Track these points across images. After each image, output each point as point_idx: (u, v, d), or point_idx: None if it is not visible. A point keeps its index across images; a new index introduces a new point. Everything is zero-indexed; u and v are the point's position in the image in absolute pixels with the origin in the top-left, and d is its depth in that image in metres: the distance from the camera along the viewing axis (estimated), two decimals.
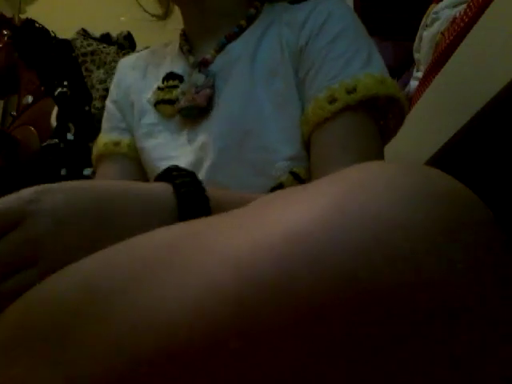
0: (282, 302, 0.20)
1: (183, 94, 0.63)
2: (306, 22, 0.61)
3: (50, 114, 1.63)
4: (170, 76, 0.67)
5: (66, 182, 0.36)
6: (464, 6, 0.74)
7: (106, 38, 1.58)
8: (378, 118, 0.58)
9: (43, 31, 1.78)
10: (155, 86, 0.67)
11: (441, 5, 0.90)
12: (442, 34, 0.85)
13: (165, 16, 0.73)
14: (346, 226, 0.21)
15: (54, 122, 1.59)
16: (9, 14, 1.89)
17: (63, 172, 1.33)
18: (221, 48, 0.65)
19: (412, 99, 0.99)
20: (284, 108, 0.59)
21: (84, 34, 1.70)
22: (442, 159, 0.68)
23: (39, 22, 1.80)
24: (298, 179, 0.57)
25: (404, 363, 0.20)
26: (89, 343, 0.23)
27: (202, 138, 0.61)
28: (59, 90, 1.44)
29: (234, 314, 0.21)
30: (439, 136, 0.66)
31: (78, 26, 1.76)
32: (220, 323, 0.21)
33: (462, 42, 0.62)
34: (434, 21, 0.91)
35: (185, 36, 0.71)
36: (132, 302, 0.23)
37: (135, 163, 0.67)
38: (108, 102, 0.73)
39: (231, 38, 0.66)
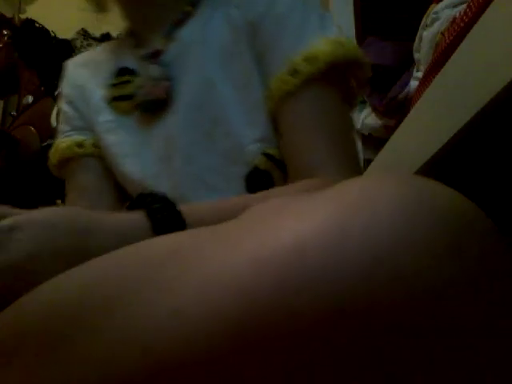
0: (282, 320, 0.20)
1: (140, 88, 0.61)
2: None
3: (49, 114, 1.63)
4: (122, 71, 0.65)
5: (43, 212, 0.37)
6: (464, 6, 0.74)
7: (106, 38, 1.58)
8: (340, 84, 0.57)
9: (43, 31, 1.78)
10: (108, 83, 0.65)
11: (441, 5, 0.90)
12: (442, 34, 0.85)
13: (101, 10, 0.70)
14: (346, 246, 0.20)
15: (54, 122, 1.59)
16: (9, 14, 1.89)
17: None
18: (169, 36, 0.63)
19: (412, 99, 0.99)
20: (245, 89, 0.58)
21: (84, 34, 1.70)
22: (442, 159, 0.68)
23: (39, 22, 1.80)
24: (273, 160, 0.56)
25: (408, 375, 0.20)
26: (83, 351, 0.23)
27: (165, 131, 0.60)
28: (59, 89, 1.45)
29: (233, 336, 0.20)
30: (439, 136, 0.66)
31: (77, 26, 1.76)
32: (218, 343, 0.20)
33: (461, 41, 0.62)
34: (434, 21, 0.91)
35: (130, 31, 0.69)
36: (129, 311, 0.23)
37: (103, 161, 0.65)
38: (63, 105, 0.70)
39: (178, 24, 0.63)
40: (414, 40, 1.03)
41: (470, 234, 0.21)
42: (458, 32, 0.71)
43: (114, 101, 0.64)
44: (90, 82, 0.68)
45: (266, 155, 0.56)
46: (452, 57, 0.65)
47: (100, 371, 0.22)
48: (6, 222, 0.34)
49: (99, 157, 0.65)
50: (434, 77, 0.77)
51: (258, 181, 0.55)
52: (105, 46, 0.74)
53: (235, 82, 0.58)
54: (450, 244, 0.20)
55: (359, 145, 1.40)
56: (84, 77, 0.69)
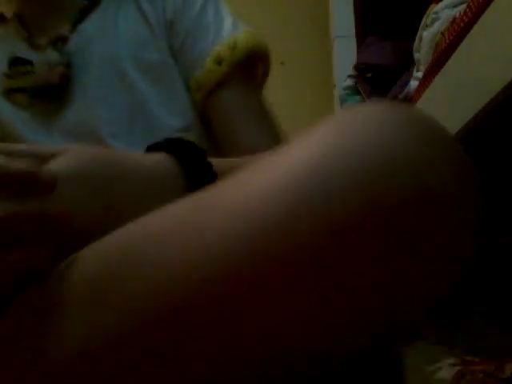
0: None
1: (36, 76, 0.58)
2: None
3: None
4: (16, 61, 0.60)
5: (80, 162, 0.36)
6: (464, 6, 0.74)
7: None
8: (254, 72, 0.62)
9: None
10: (0, 73, 0.60)
11: (441, 5, 0.90)
12: (442, 34, 0.85)
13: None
14: (352, 154, 0.24)
15: None
16: None
17: None
18: (74, 24, 0.61)
19: (412, 99, 0.99)
20: (161, 81, 0.59)
21: None
22: None
23: None
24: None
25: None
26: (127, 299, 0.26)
27: (72, 123, 0.58)
28: None
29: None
30: None
31: None
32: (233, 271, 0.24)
33: (461, 41, 0.62)
34: (433, 21, 0.91)
35: (19, 20, 0.64)
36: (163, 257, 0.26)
37: None
38: None
39: (84, 12, 0.62)
40: (414, 40, 1.03)
41: (447, 156, 0.25)
42: (458, 32, 0.71)
43: (11, 93, 0.60)
44: None
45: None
46: (452, 57, 0.65)
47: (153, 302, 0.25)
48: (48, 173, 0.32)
49: None
50: (433, 77, 0.77)
51: None
52: None
53: (150, 74, 0.59)
54: (430, 163, 0.24)
55: None
56: None
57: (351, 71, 1.39)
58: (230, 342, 0.24)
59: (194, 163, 0.39)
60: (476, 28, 0.59)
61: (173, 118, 0.59)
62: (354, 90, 1.38)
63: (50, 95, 0.58)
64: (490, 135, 0.61)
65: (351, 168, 0.23)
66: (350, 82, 1.39)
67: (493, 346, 0.79)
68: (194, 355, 0.25)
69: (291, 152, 0.26)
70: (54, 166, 0.35)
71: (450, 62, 0.66)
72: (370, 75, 1.30)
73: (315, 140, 0.26)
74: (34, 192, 0.30)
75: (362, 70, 1.33)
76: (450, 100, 0.65)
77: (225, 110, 0.59)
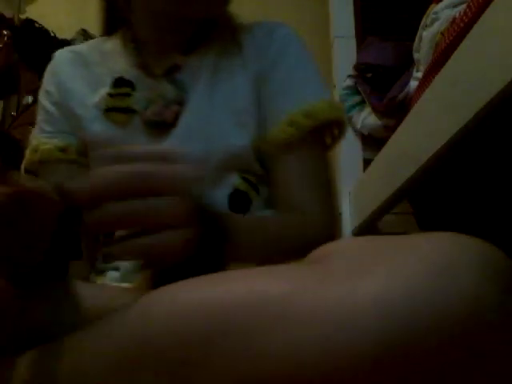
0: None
1: (149, 102, 0.61)
2: (269, 47, 0.64)
3: None
4: (119, 82, 0.63)
5: None
6: (464, 6, 0.74)
7: None
8: (325, 137, 0.64)
9: (43, 31, 1.78)
10: (103, 91, 0.63)
11: (441, 5, 0.90)
12: (442, 34, 0.85)
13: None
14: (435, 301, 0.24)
15: None
16: (9, 14, 1.89)
17: None
18: (186, 54, 0.63)
19: (412, 99, 0.99)
20: (244, 126, 0.61)
21: (84, 33, 1.70)
22: (442, 159, 0.68)
23: (39, 22, 1.80)
24: (251, 184, 0.62)
25: None
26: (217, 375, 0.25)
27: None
28: (42, 81, 1.44)
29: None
30: (439, 136, 0.66)
31: (78, 25, 1.76)
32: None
33: (461, 42, 0.62)
34: (433, 21, 0.91)
35: (133, 42, 0.66)
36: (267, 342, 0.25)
37: (83, 168, 0.63)
38: (47, 103, 0.66)
39: (195, 45, 0.64)
40: (413, 40, 1.03)
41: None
42: (458, 32, 0.71)
43: (111, 111, 0.62)
44: (79, 84, 0.65)
45: (245, 179, 0.62)
46: (452, 57, 0.65)
47: None
48: None
49: (81, 163, 0.63)
50: (433, 77, 0.77)
51: (239, 200, 0.62)
52: (94, 44, 0.71)
53: (236, 118, 0.61)
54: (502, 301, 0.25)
55: (359, 145, 1.40)
56: (72, 76, 0.66)
57: (351, 71, 1.39)
58: None
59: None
60: (476, 28, 0.59)
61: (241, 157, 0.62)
62: (354, 90, 1.38)
63: (159, 129, 0.60)
64: (489, 135, 0.61)
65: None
66: (349, 81, 1.39)
67: None
68: None
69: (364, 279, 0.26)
70: None
71: (449, 62, 0.66)
72: (369, 75, 1.30)
73: (413, 269, 0.25)
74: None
75: (361, 70, 1.33)
76: (450, 100, 0.65)
77: (286, 167, 0.61)
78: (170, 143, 0.60)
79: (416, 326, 0.23)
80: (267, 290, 0.26)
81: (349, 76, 1.40)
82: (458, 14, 0.78)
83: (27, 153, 0.67)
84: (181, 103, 0.61)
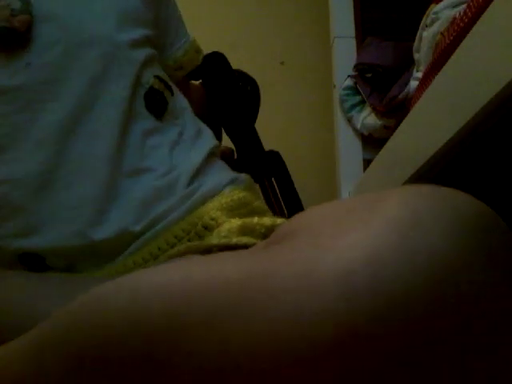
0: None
1: None
2: None
3: None
4: None
5: None
6: (464, 6, 0.74)
7: None
8: None
9: None
10: None
11: (441, 5, 0.90)
12: (442, 34, 0.85)
13: None
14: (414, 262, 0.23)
15: None
16: None
17: None
18: None
19: (412, 99, 0.99)
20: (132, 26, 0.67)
21: None
22: (442, 159, 0.68)
23: None
24: (165, 85, 0.66)
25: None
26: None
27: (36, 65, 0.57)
28: None
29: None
30: (439, 136, 0.66)
31: None
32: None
33: (461, 41, 0.62)
34: (433, 21, 0.91)
35: None
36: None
37: None
38: None
39: None
40: (414, 40, 1.03)
41: (503, 247, 0.25)
42: (458, 32, 0.71)
43: None
44: None
45: (158, 78, 0.65)
46: (452, 57, 0.65)
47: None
48: None
49: None
50: (433, 77, 0.77)
51: (154, 98, 0.64)
52: None
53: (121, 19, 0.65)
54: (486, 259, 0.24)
55: (359, 145, 1.40)
56: None
57: (351, 71, 1.39)
58: None
59: None
60: (476, 28, 0.59)
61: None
62: (354, 90, 1.38)
63: (11, 41, 0.56)
64: (489, 135, 0.61)
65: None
66: (349, 82, 1.39)
67: None
68: None
69: (344, 238, 0.25)
70: None
71: (449, 62, 0.66)
72: (369, 75, 1.30)
73: (375, 233, 0.24)
74: None
75: (361, 70, 1.32)
76: (450, 100, 0.65)
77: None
78: (30, 52, 0.57)
79: (379, 305, 0.22)
80: (227, 275, 0.25)
81: (349, 76, 1.40)
82: (458, 14, 0.78)
83: None
84: (30, 14, 0.57)
